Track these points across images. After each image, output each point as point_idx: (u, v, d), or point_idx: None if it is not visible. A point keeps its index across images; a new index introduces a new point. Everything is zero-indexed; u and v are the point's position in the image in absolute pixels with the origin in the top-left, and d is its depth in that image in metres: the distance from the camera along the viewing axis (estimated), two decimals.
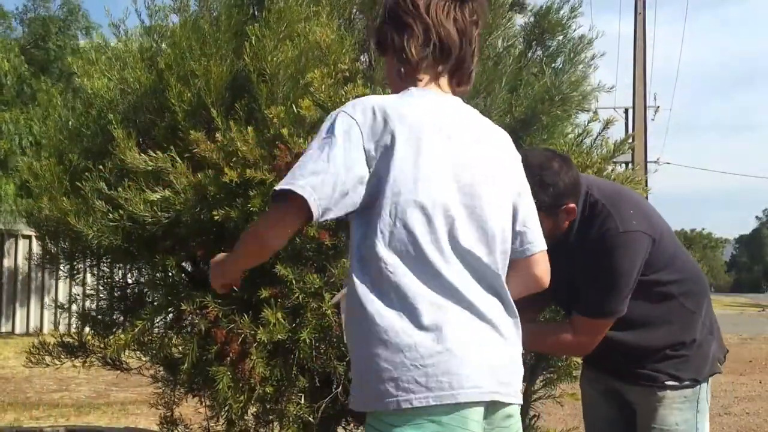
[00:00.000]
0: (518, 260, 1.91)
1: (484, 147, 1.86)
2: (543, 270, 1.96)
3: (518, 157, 1.97)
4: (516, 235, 1.90)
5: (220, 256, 2.11)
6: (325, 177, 1.69)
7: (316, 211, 1.69)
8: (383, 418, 1.76)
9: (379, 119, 1.74)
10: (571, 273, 2.43)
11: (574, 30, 4.38)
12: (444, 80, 1.89)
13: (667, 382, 2.53)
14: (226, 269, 2.06)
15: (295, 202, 1.70)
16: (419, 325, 1.70)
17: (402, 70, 1.88)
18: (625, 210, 2.49)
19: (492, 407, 1.77)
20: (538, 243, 1.93)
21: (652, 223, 2.55)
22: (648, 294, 2.50)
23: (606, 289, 2.45)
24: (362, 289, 1.75)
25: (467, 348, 1.71)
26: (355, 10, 4.06)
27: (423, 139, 1.75)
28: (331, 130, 1.74)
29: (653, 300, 2.52)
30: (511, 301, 1.84)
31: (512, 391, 1.80)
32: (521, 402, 1.85)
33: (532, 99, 4.03)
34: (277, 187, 1.73)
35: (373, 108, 1.76)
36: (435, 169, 1.75)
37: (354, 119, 1.75)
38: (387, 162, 1.72)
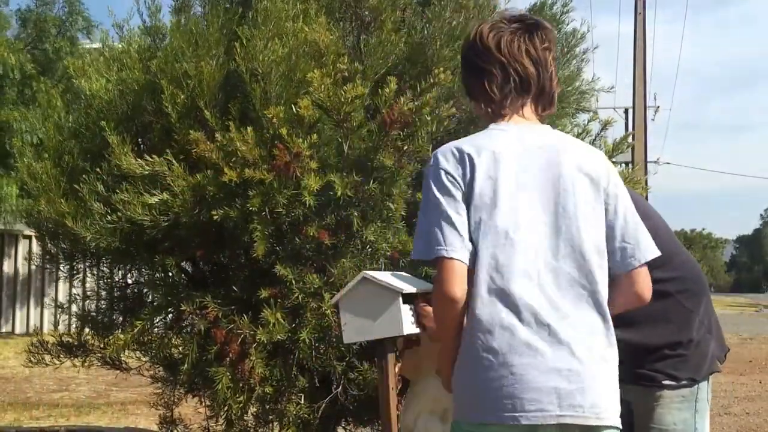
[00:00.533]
0: (620, 275, 1.97)
1: (565, 168, 1.92)
2: (643, 286, 2.01)
3: (613, 175, 2.01)
4: (615, 251, 1.96)
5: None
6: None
7: None
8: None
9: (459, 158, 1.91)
10: None
11: (567, 24, 4.39)
12: (528, 109, 1.99)
13: (664, 382, 2.52)
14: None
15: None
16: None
17: (489, 110, 1.98)
18: None
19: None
20: (638, 257, 1.98)
21: (646, 217, 2.55)
22: (653, 294, 2.50)
23: None
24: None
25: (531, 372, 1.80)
26: (341, 7, 4.05)
27: (501, 169, 1.88)
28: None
29: (656, 299, 2.52)
30: (609, 316, 1.90)
31: (590, 413, 1.82)
32: (612, 424, 1.86)
33: None
34: None
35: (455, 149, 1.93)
36: (513, 195, 1.87)
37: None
38: (470, 192, 1.88)
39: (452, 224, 1.85)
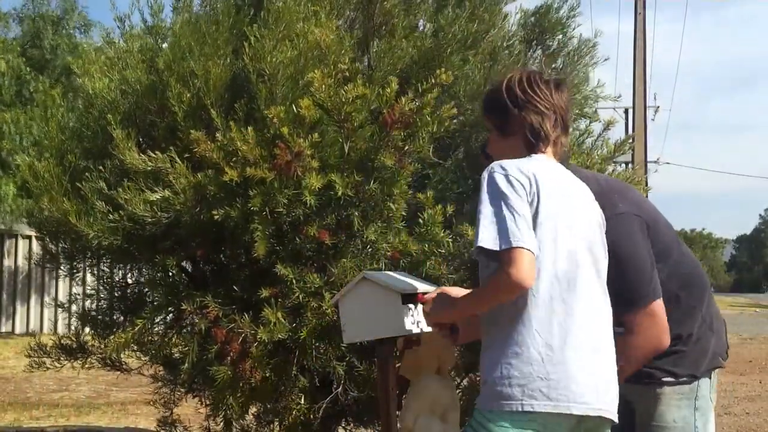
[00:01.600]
0: None
1: (584, 202, 2.27)
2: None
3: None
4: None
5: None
6: None
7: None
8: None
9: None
10: None
11: (573, 29, 4.39)
12: (551, 148, 2.30)
13: (664, 379, 2.51)
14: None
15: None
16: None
17: (533, 144, 2.26)
18: (611, 196, 2.49)
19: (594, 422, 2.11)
20: None
21: (643, 208, 2.54)
22: None
23: (632, 275, 2.41)
24: None
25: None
26: (353, 10, 4.06)
27: (556, 188, 2.19)
28: None
29: None
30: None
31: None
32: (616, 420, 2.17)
33: None
34: None
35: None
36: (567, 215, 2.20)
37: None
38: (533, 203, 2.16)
39: (525, 220, 2.04)
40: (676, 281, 2.54)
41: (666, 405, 2.52)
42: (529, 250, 2.01)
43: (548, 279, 2.08)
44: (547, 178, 2.15)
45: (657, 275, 2.45)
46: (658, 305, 2.43)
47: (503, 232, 2.02)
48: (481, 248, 2.05)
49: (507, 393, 2.04)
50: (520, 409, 2.03)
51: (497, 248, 2.02)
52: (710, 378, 2.58)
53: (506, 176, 2.11)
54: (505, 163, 2.16)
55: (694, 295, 2.57)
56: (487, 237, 2.04)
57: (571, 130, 4.22)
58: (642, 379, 2.53)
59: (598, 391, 2.09)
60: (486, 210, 2.08)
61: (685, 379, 2.52)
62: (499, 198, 2.08)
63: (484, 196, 2.10)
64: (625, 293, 2.40)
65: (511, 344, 2.07)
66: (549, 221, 2.10)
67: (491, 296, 2.11)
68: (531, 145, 2.26)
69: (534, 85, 2.28)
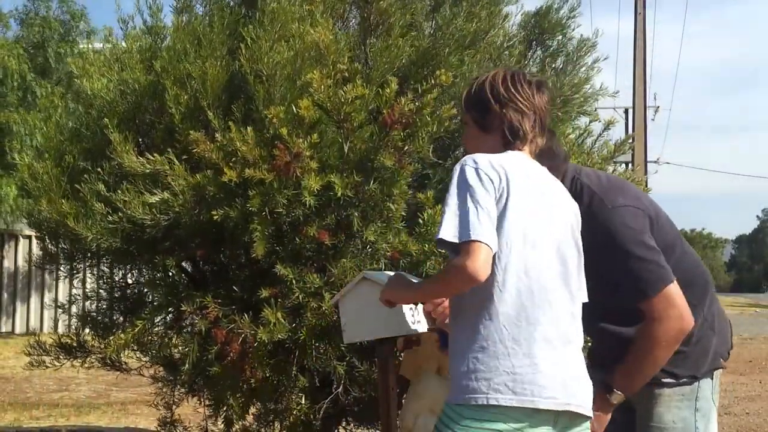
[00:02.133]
0: None
1: (558, 200, 2.27)
2: None
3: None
4: None
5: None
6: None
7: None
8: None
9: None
10: None
11: (573, 29, 4.39)
12: (527, 147, 2.30)
13: (664, 380, 2.49)
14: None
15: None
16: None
17: (511, 142, 2.26)
18: (611, 191, 2.49)
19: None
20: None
21: (644, 202, 2.52)
22: None
23: (638, 268, 2.40)
24: None
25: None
26: (348, 9, 4.06)
27: (529, 184, 2.19)
28: None
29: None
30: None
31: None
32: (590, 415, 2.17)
33: None
34: None
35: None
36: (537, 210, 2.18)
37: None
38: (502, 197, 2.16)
39: (488, 215, 2.04)
40: (679, 278, 2.53)
41: (665, 406, 2.50)
42: (486, 244, 2.00)
43: (515, 274, 2.08)
44: (519, 174, 2.15)
45: (664, 260, 2.42)
46: (673, 289, 2.40)
47: (464, 225, 2.03)
48: (442, 240, 2.05)
49: (473, 387, 2.04)
50: (485, 403, 2.02)
51: (456, 240, 2.03)
52: (712, 378, 2.56)
53: (476, 170, 2.11)
54: (478, 156, 2.16)
55: (695, 293, 2.54)
56: (448, 229, 2.05)
57: (570, 131, 4.25)
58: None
59: (566, 386, 2.07)
60: (451, 202, 2.09)
61: (685, 380, 2.51)
62: (465, 191, 2.08)
63: (452, 189, 2.11)
64: (634, 283, 2.39)
65: (477, 338, 2.06)
66: (518, 216, 2.09)
67: (444, 284, 2.13)
68: (508, 143, 2.27)
69: (517, 84, 2.29)
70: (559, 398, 2.05)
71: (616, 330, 2.51)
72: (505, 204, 2.09)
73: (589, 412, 2.14)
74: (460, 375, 2.08)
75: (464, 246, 2.01)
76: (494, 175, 2.10)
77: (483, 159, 2.14)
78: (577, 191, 2.49)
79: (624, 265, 2.41)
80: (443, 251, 3.39)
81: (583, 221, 2.35)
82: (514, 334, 2.05)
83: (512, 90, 2.27)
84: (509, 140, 2.26)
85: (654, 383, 2.50)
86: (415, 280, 2.70)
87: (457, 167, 2.14)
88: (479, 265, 1.99)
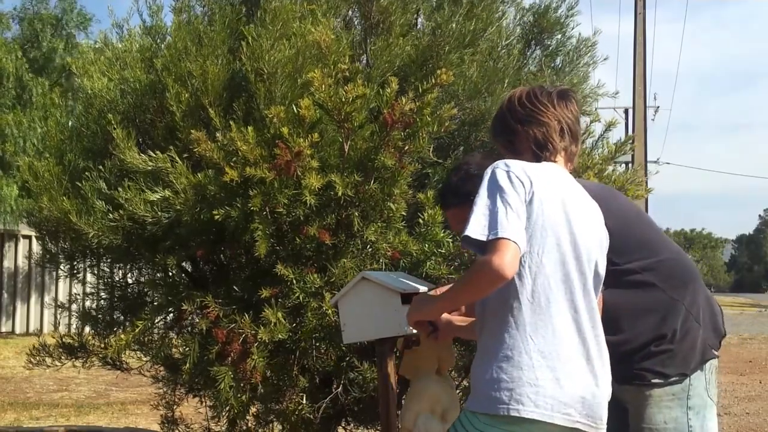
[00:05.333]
0: None
1: (587, 214, 2.24)
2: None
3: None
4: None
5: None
6: None
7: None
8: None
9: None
10: None
11: (572, 28, 4.39)
12: (561, 157, 2.31)
13: (654, 380, 2.48)
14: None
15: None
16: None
17: (540, 155, 2.26)
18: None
19: None
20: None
21: (609, 206, 2.47)
22: (625, 283, 2.46)
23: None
24: None
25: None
26: (349, 9, 4.06)
27: (556, 191, 2.18)
28: None
29: (631, 289, 2.47)
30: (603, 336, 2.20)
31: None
32: None
33: None
34: None
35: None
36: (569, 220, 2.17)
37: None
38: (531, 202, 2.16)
39: (517, 215, 2.03)
40: (657, 275, 2.50)
41: (656, 407, 2.48)
42: (514, 242, 1.99)
43: (543, 284, 2.07)
44: (549, 184, 2.14)
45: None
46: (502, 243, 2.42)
47: (492, 224, 2.02)
48: (468, 238, 2.03)
49: (495, 396, 2.03)
50: (506, 413, 2.01)
51: (484, 238, 2.00)
52: (704, 372, 2.52)
53: (508, 173, 2.10)
54: (511, 161, 2.16)
55: (677, 288, 2.52)
56: (476, 227, 2.03)
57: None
58: (632, 380, 2.49)
59: (584, 403, 2.07)
60: (481, 202, 2.07)
61: (675, 378, 2.48)
62: (495, 192, 2.07)
63: (482, 190, 2.10)
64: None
65: (503, 348, 2.05)
66: (548, 226, 2.09)
67: (470, 284, 2.08)
68: (538, 157, 2.27)
69: (533, 98, 2.31)
70: (574, 416, 2.05)
71: None
72: (535, 211, 2.08)
73: (599, 430, 2.15)
74: (483, 383, 2.07)
75: (492, 243, 1.99)
76: (526, 180, 2.10)
77: (515, 164, 2.14)
78: None
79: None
80: (442, 251, 3.39)
81: None
82: (540, 346, 2.03)
83: (529, 106, 2.29)
84: (538, 154, 2.26)
85: (644, 384, 2.49)
86: (416, 283, 2.71)
87: (488, 170, 2.14)
88: (507, 261, 1.96)
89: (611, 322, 2.44)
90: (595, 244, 2.21)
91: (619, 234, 2.42)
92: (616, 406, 2.54)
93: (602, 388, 2.15)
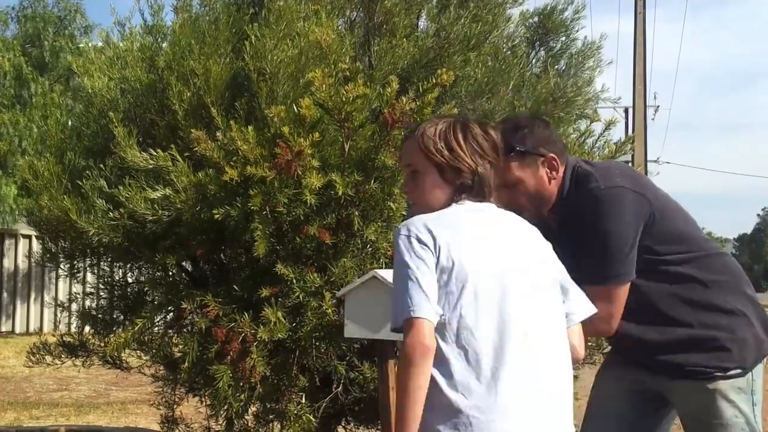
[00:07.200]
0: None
1: (518, 242, 2.10)
2: (578, 342, 2.15)
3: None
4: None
5: None
6: None
7: None
8: None
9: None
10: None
11: (578, 31, 4.39)
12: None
13: (716, 373, 2.42)
14: None
15: None
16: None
17: (463, 191, 2.11)
18: (611, 172, 2.46)
19: None
20: (574, 316, 2.15)
21: (642, 184, 2.48)
22: (669, 276, 2.43)
23: (601, 253, 2.37)
24: None
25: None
26: (353, 10, 4.06)
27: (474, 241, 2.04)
28: None
29: (675, 282, 2.44)
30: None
31: None
32: None
33: (535, 100, 4.04)
34: None
35: None
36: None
37: None
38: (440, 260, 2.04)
39: (420, 286, 1.95)
40: (699, 270, 2.47)
41: (725, 400, 2.42)
42: (424, 318, 1.92)
43: (467, 336, 1.95)
44: (462, 228, 2.03)
45: (633, 258, 2.38)
46: (619, 290, 2.38)
47: (402, 307, 1.95)
48: (396, 330, 1.98)
49: None
50: None
51: (399, 325, 1.95)
52: (762, 366, 2.49)
53: (408, 237, 2.00)
54: (411, 222, 2.04)
55: (727, 284, 2.49)
56: (395, 316, 1.97)
57: (571, 131, 4.24)
58: (696, 375, 2.44)
59: None
60: (395, 285, 2.01)
61: (735, 372, 2.43)
62: (399, 268, 2.00)
63: (394, 267, 2.03)
64: (589, 267, 2.33)
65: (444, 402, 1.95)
66: (470, 277, 1.97)
67: (407, 375, 1.94)
68: (457, 194, 2.12)
69: (479, 129, 2.15)
70: None
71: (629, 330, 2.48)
72: (451, 267, 1.97)
73: None
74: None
75: (404, 326, 1.94)
76: (429, 238, 1.98)
77: (417, 223, 2.02)
78: (579, 179, 2.47)
79: (593, 245, 2.38)
80: None
81: (585, 203, 2.37)
82: (475, 401, 1.92)
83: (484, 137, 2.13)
84: (460, 190, 2.11)
85: (703, 377, 2.43)
86: None
87: (395, 236, 2.04)
88: (420, 337, 1.90)
89: (659, 315, 2.43)
90: (536, 270, 2.07)
91: (657, 217, 2.41)
92: (646, 404, 2.51)
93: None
